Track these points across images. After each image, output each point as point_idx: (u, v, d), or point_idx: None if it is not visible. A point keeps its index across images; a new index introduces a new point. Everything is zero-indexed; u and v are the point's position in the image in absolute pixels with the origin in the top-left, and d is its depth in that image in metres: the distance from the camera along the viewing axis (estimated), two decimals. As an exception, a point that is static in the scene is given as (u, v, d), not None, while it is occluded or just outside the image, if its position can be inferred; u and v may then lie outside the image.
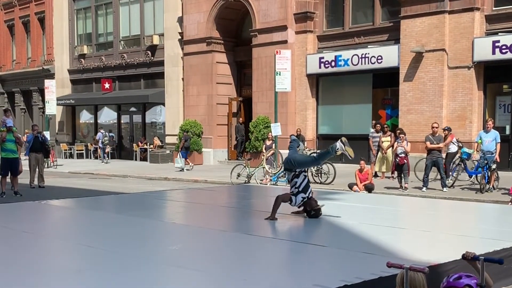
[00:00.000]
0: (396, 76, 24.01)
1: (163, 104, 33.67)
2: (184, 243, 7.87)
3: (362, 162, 17.67)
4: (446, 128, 19.55)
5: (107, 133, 36.19)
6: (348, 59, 25.48)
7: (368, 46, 25.09)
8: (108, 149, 35.78)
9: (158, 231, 8.80)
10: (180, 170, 26.80)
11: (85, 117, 40.46)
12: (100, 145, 35.29)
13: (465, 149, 19.02)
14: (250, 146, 27.95)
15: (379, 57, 24.49)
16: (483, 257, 4.34)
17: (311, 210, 9.52)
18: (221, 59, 30.89)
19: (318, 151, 23.85)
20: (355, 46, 25.76)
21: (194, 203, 12.66)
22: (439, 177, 18.28)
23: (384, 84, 25.83)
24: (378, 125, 21.73)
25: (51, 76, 38.63)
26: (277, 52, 24.14)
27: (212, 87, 30.64)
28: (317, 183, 20.09)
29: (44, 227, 9.49)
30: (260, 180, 21.11)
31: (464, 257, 4.38)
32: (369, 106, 25.85)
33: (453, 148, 19.31)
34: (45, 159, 23.00)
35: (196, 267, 6.24)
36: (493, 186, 17.46)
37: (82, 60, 38.68)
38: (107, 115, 38.88)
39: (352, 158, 9.46)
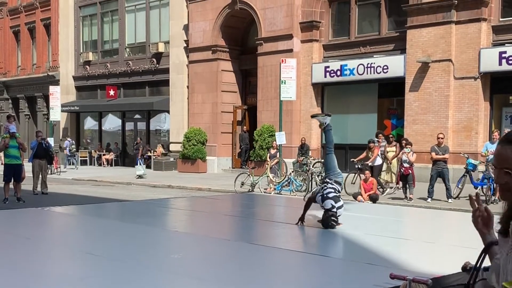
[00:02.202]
0: (402, 86, 23.97)
1: (168, 111, 33.68)
2: (186, 251, 7.78)
3: (367, 172, 17.59)
4: (371, 140, 19.64)
5: (73, 141, 36.39)
6: (353, 69, 25.46)
7: (374, 56, 25.07)
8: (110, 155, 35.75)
9: (161, 239, 8.72)
10: (139, 177, 27.11)
11: (89, 124, 40.53)
12: (68, 152, 35.57)
13: (471, 160, 18.92)
14: (254, 154, 27.90)
15: (385, 67, 24.46)
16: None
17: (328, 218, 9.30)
18: (226, 67, 30.89)
19: (322, 160, 23.74)
20: (360, 56, 25.75)
21: (197, 211, 12.58)
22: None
23: (389, 94, 25.81)
24: (381, 135, 21.63)
25: (56, 82, 38.72)
26: (282, 60, 24.14)
27: (217, 95, 30.62)
28: (321, 192, 19.97)
29: (46, 234, 9.42)
30: (264, 189, 21.05)
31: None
32: (374, 116, 25.81)
33: (379, 161, 19.33)
34: (48, 166, 22.97)
35: (198, 276, 6.16)
36: (498, 198, 17.33)
37: (87, 66, 38.74)
38: (112, 122, 38.92)
39: None
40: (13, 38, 45.91)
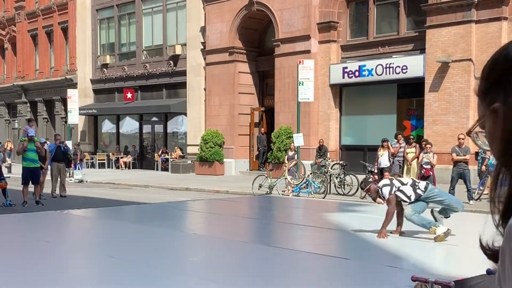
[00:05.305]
0: (421, 86, 23.71)
1: (185, 114, 33.62)
2: (205, 254, 7.71)
3: (386, 173, 17.41)
4: (385, 139, 19.64)
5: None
6: (372, 69, 25.22)
7: (393, 56, 24.82)
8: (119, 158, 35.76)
9: (179, 242, 8.66)
10: (80, 181, 27.56)
11: (107, 126, 40.57)
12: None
13: (493, 161, 18.65)
14: (272, 156, 27.76)
15: (404, 67, 24.21)
16: None
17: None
18: (244, 69, 30.78)
19: (341, 162, 23.49)
20: (379, 56, 25.50)
21: (215, 214, 12.52)
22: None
23: (409, 95, 25.53)
24: (400, 136, 21.37)
25: (73, 85, 38.80)
26: (300, 62, 23.99)
27: (234, 97, 30.52)
28: (340, 194, 19.84)
29: (65, 237, 9.39)
30: (282, 191, 20.89)
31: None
32: (393, 117, 25.54)
33: (385, 163, 19.70)
34: (66, 169, 23.00)
35: (216, 279, 6.07)
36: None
37: (105, 69, 38.81)
38: (129, 125, 38.94)
39: None
40: (31, 41, 46.14)
